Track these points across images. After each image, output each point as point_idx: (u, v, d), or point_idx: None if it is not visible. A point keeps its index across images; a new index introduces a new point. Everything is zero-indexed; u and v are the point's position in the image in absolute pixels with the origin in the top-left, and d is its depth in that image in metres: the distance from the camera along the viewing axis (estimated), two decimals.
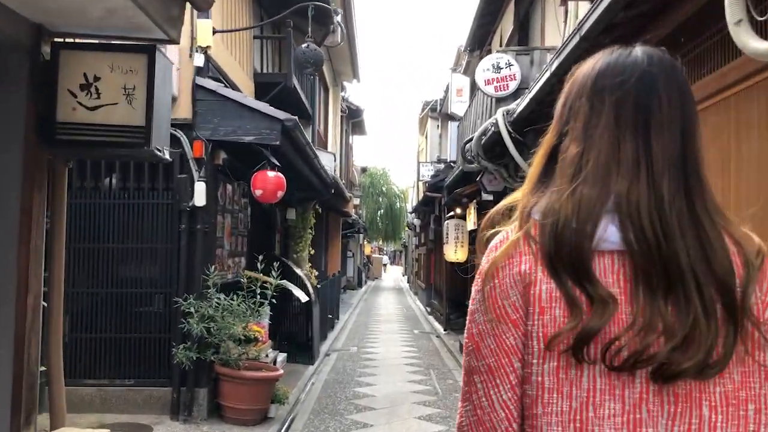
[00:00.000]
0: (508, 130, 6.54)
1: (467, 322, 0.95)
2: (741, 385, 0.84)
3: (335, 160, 11.05)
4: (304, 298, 6.58)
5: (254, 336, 6.14)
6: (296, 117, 5.82)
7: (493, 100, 8.37)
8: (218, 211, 6.19)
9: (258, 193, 5.70)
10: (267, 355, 6.95)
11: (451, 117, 13.50)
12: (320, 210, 10.42)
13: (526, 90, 6.95)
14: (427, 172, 18.47)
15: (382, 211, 33.86)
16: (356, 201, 25.16)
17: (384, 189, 33.46)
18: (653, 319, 0.82)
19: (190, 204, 5.66)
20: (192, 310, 5.25)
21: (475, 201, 10.09)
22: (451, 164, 13.40)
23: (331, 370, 8.91)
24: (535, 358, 0.87)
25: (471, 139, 7.87)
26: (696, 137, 0.90)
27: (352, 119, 22.24)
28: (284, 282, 6.84)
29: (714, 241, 0.85)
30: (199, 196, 5.63)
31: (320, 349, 9.90)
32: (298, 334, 9.03)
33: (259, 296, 5.72)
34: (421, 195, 19.68)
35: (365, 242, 36.05)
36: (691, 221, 0.85)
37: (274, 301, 5.92)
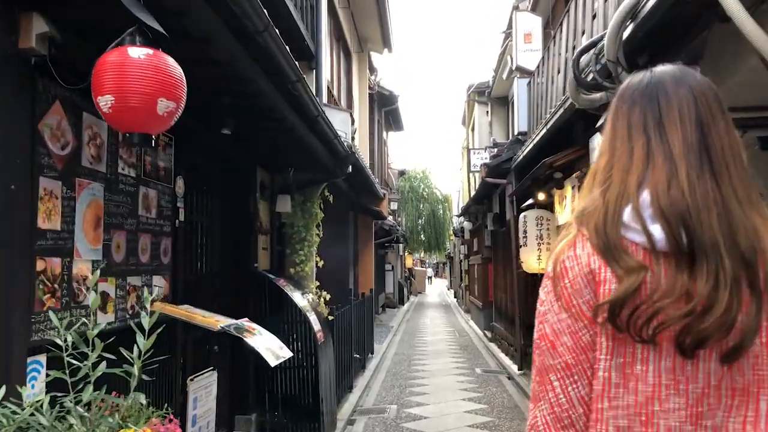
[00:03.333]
0: None
1: (537, 323, 1.01)
2: None
3: (353, 124, 7.51)
4: (272, 360, 3.03)
5: None
6: None
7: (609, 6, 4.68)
8: (47, 170, 2.69)
9: (105, 102, 2.14)
10: None
11: (517, 71, 9.83)
12: (331, 199, 6.82)
13: None
14: (479, 160, 14.78)
15: (423, 219, 30.22)
16: (394, 206, 21.64)
17: (425, 194, 29.79)
18: (675, 286, 0.89)
19: None
20: None
21: (575, 175, 6.37)
22: (519, 138, 9.71)
23: None
24: (604, 354, 0.93)
25: (596, 42, 4.21)
26: (718, 128, 0.98)
27: (385, 107, 18.76)
28: (235, 326, 3.27)
29: (738, 219, 0.91)
30: None
31: (338, 415, 6.31)
32: (301, 394, 5.48)
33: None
34: (473, 192, 15.98)
35: (406, 253, 32.33)
36: (717, 200, 0.92)
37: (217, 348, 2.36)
